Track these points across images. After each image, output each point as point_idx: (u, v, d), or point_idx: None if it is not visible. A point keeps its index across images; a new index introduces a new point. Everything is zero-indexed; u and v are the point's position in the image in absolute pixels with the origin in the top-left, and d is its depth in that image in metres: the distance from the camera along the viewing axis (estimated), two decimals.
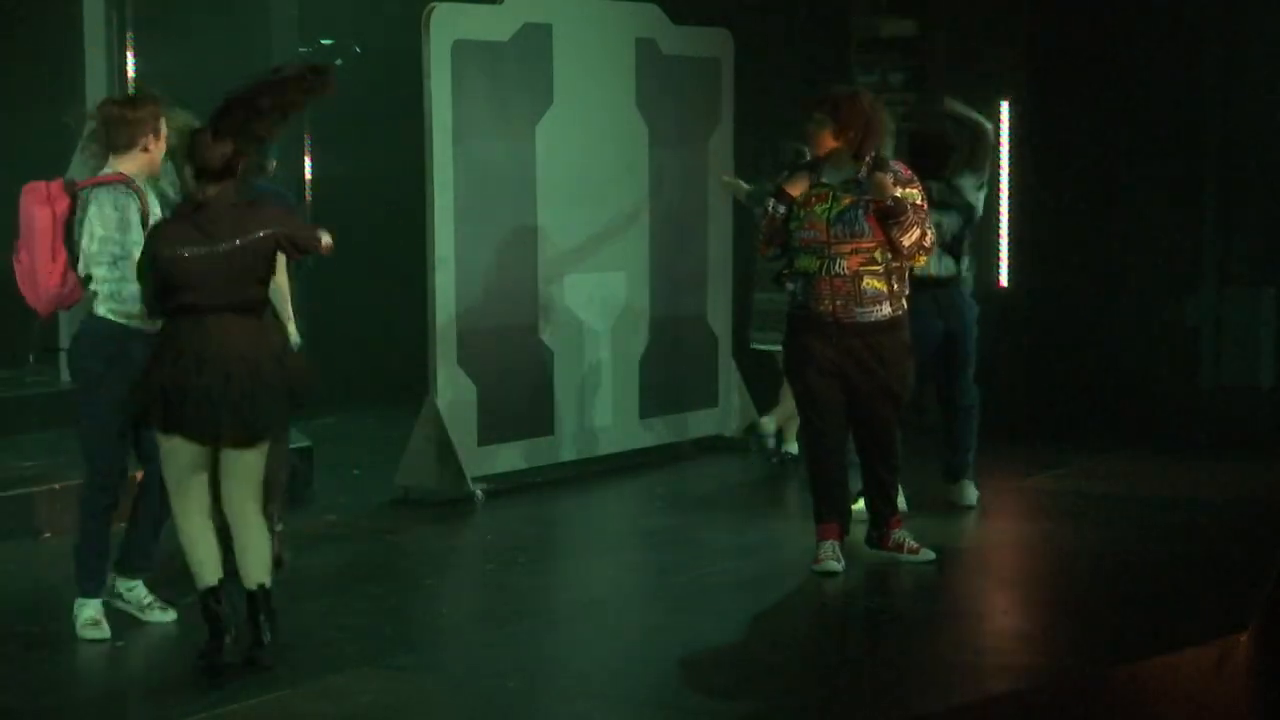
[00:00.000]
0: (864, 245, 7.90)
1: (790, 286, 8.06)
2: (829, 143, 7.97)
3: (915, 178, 8.07)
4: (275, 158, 8.40)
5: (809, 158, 8.38)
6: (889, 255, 7.93)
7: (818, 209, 7.94)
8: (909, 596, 7.90)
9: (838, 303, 7.90)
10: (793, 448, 10.54)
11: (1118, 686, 6.58)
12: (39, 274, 7.05)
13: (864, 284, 7.91)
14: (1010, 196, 11.63)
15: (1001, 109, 11.57)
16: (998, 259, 11.64)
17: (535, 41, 10.07)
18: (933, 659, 6.88)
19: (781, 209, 8.00)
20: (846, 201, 7.93)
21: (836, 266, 7.90)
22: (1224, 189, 12.23)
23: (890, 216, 7.86)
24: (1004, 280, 11.74)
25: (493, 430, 9.99)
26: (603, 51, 10.50)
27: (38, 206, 7.06)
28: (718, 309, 11.33)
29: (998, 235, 11.61)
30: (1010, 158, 11.62)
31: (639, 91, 10.70)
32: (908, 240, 7.91)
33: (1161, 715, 6.53)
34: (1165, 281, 12.16)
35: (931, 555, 8.27)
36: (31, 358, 11.67)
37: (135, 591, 7.32)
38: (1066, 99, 12.02)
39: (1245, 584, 7.64)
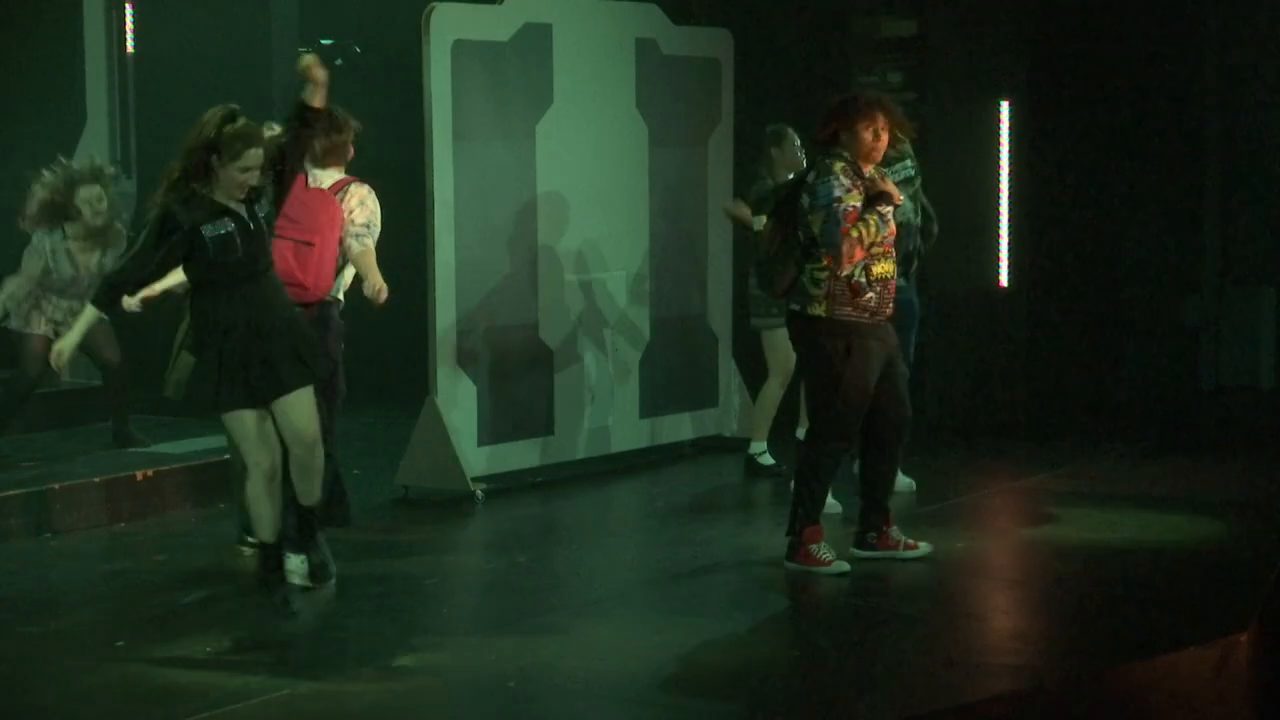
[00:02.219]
0: None
1: (869, 296, 7.90)
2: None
3: None
4: None
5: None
6: None
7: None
8: (909, 596, 7.89)
9: (891, 305, 8.05)
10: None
11: (1118, 686, 6.58)
12: (326, 263, 7.84)
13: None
14: (1010, 196, 11.65)
15: (1001, 109, 11.59)
16: (998, 259, 11.65)
17: (535, 41, 10.07)
18: (933, 659, 6.87)
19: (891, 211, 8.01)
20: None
21: (894, 268, 8.03)
22: (1224, 189, 12.26)
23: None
24: (1004, 280, 11.74)
25: (493, 430, 9.99)
26: (603, 51, 10.50)
27: (334, 205, 7.93)
28: (718, 309, 11.32)
29: (998, 235, 11.62)
30: (1010, 158, 11.63)
31: (639, 92, 10.70)
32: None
33: (1161, 715, 6.53)
34: (1165, 281, 12.17)
35: (929, 548, 8.28)
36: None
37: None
38: (1066, 99, 12.03)
39: (1245, 584, 7.64)
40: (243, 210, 7.13)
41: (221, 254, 7.05)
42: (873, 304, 7.91)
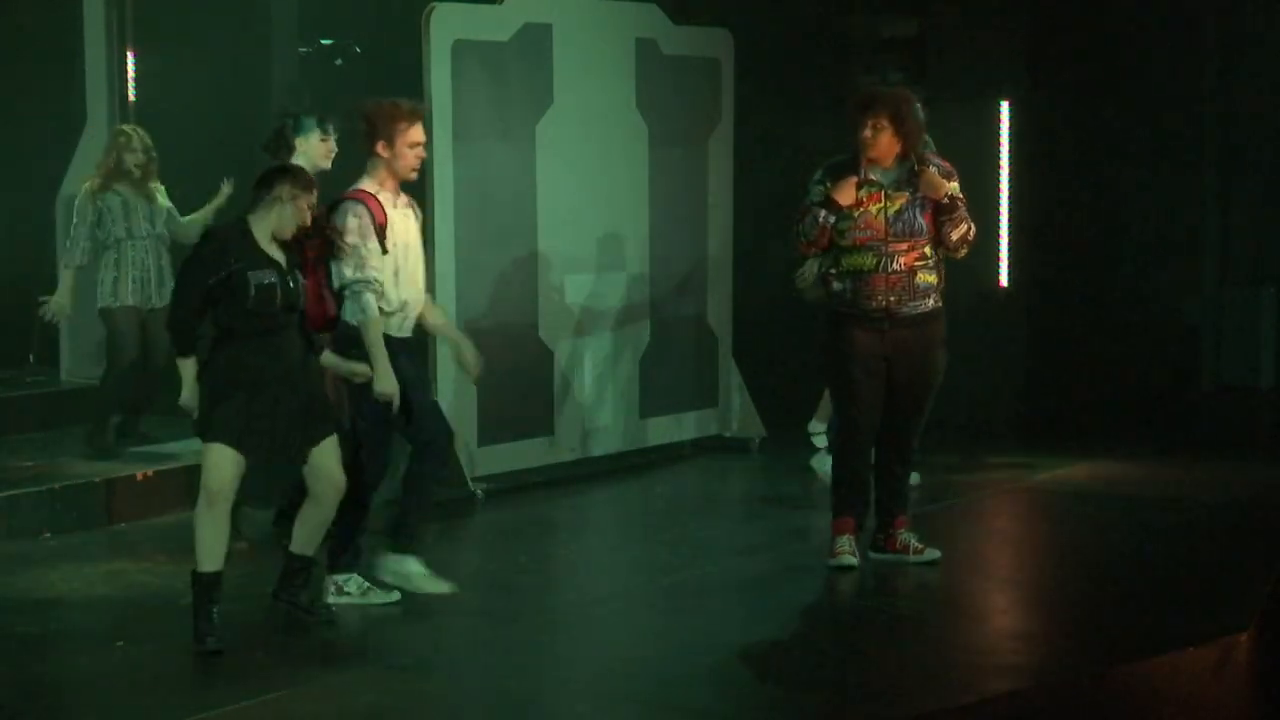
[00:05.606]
0: (920, 243, 7.94)
1: (837, 286, 8.03)
2: (893, 146, 7.94)
3: (954, 171, 8.07)
4: None
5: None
6: (935, 249, 7.98)
7: (873, 209, 7.93)
8: (909, 596, 7.89)
9: (891, 298, 7.93)
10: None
11: (1118, 686, 6.58)
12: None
13: (917, 278, 7.94)
14: (1010, 196, 11.64)
15: (1001, 109, 11.58)
16: (998, 259, 11.64)
17: (535, 41, 10.07)
18: (933, 659, 6.88)
19: (833, 218, 7.96)
20: (902, 200, 7.93)
21: (893, 264, 7.92)
22: (1224, 189, 12.24)
23: (943, 213, 7.89)
24: (1004, 280, 11.74)
25: (493, 430, 9.99)
26: (603, 51, 10.50)
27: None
28: (718, 309, 11.32)
29: (998, 235, 11.62)
30: (1010, 157, 11.63)
31: (639, 92, 10.70)
32: (956, 235, 7.93)
33: (1161, 715, 6.53)
34: (1165, 281, 12.17)
35: (936, 554, 8.26)
36: (31, 357, 11.68)
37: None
38: (1066, 99, 12.03)
39: (1245, 584, 7.65)
40: (282, 259, 7.01)
41: (261, 304, 6.89)
42: (847, 296, 7.98)
